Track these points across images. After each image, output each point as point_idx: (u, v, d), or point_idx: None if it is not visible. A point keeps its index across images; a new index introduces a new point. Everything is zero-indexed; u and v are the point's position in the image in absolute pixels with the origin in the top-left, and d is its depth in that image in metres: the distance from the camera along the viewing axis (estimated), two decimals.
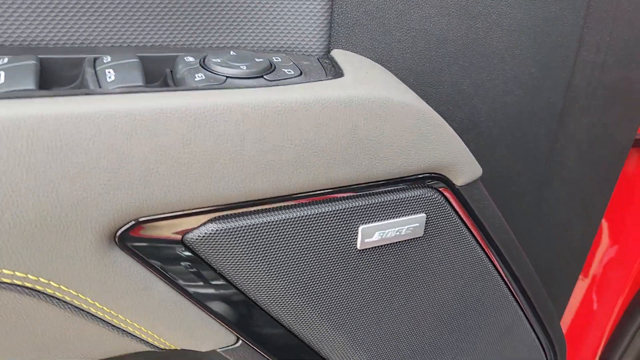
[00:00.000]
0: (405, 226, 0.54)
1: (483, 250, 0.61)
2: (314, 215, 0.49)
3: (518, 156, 0.72)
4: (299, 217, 0.48)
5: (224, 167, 0.43)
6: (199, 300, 0.48)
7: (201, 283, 0.48)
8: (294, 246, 0.49)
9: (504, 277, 0.65)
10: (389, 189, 0.52)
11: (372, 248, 0.54)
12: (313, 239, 0.50)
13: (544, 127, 0.71)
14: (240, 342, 0.52)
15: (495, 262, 0.63)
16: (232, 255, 0.47)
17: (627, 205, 0.99)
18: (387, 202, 0.52)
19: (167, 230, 0.44)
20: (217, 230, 0.46)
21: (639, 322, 1.08)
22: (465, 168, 0.54)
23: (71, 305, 0.43)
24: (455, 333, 0.66)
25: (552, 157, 0.75)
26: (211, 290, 0.48)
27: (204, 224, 0.45)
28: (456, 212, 0.57)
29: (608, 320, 1.09)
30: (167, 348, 0.50)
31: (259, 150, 0.43)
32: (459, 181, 0.55)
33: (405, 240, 0.55)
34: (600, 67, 0.72)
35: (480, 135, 0.68)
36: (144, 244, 0.44)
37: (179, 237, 0.45)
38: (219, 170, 0.43)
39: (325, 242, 0.51)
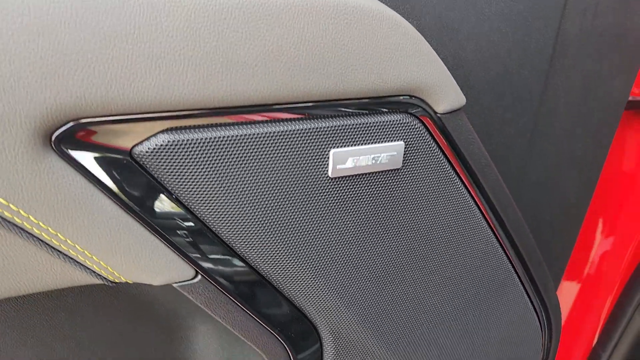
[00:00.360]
0: (381, 154, 0.49)
1: (468, 190, 0.57)
2: (279, 133, 0.45)
3: (507, 103, 0.68)
4: (263, 133, 0.44)
5: (174, 64, 0.38)
6: (151, 225, 0.44)
7: (153, 205, 0.43)
8: (256, 167, 0.45)
9: (492, 226, 0.61)
10: (363, 110, 0.48)
11: (345, 177, 0.49)
12: (278, 160, 0.45)
13: (534, 73, 0.67)
14: (199, 277, 0.48)
15: (482, 206, 0.59)
16: (186, 174, 0.43)
17: (621, 195, 0.95)
18: (361, 125, 0.48)
19: (113, 138, 0.40)
20: (169, 142, 0.41)
21: (631, 311, 1.03)
22: (446, 93, 0.50)
23: (1, 217, 0.39)
24: (436, 283, 0.61)
25: (542, 107, 0.71)
26: (165, 215, 0.44)
27: (155, 134, 0.41)
28: (437, 144, 0.52)
29: (600, 313, 1.04)
30: (118, 281, 0.45)
31: (213, 47, 0.39)
32: (439, 107, 0.51)
33: (383, 172, 0.51)
34: (593, 11, 0.68)
35: (467, 77, 0.64)
36: (86, 152, 0.39)
37: (127, 147, 0.41)
38: (169, 67, 0.38)
39: (292, 165, 0.46)
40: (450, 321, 0.64)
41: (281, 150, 0.45)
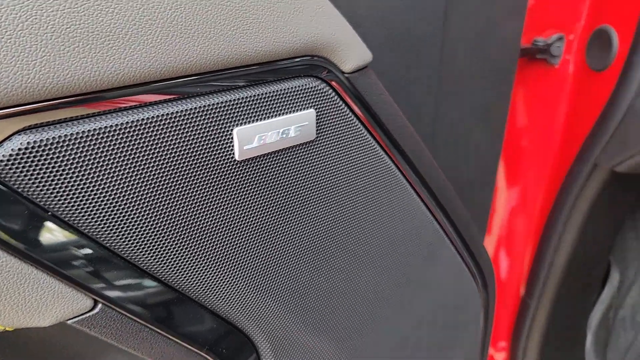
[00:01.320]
0: (291, 126, 0.43)
1: (388, 155, 0.52)
2: (168, 116, 0.37)
3: (409, 60, 0.65)
4: (147, 119, 0.36)
5: (15, 40, 0.30)
6: (24, 253, 0.35)
7: (22, 227, 0.34)
8: (147, 161, 0.37)
9: (416, 189, 0.57)
10: (262, 78, 0.42)
11: (255, 158, 0.43)
12: (173, 149, 0.38)
13: (431, 25, 0.64)
14: (99, 306, 0.39)
15: (404, 171, 0.54)
16: (59, 182, 0.34)
17: (526, 143, 0.96)
18: (263, 96, 0.41)
19: None
20: (32, 144, 0.33)
21: (551, 255, 1.05)
22: (350, 49, 0.45)
23: None
24: (367, 259, 0.56)
25: (444, 61, 0.68)
26: (41, 238, 0.35)
27: (11, 136, 0.32)
28: (350, 108, 0.47)
29: (523, 263, 1.06)
30: None
31: (64, 16, 0.31)
32: (346, 66, 0.46)
33: (297, 146, 0.45)
34: None
35: (364, 37, 0.59)
36: None
37: None
38: (9, 43, 0.30)
39: (190, 151, 0.39)
40: (389, 297, 0.60)
41: (176, 137, 0.38)
